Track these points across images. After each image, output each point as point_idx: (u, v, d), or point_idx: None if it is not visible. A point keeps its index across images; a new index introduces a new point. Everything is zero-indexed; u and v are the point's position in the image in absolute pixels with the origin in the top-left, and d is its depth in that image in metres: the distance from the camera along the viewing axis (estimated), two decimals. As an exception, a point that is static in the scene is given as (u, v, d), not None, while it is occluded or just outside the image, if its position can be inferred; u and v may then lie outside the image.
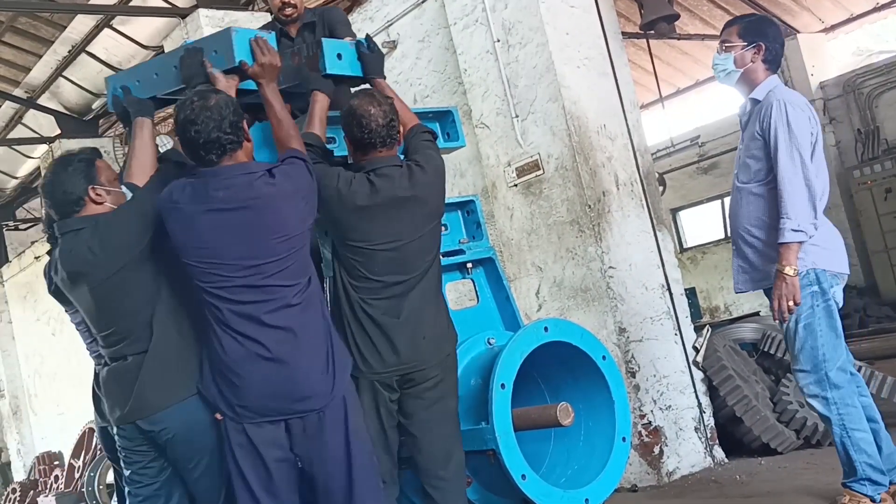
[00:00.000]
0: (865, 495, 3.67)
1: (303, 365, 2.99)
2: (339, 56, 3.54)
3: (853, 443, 3.64)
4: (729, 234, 4.01)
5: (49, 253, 3.49)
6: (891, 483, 3.73)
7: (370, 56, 3.61)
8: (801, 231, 3.56)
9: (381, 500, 3.15)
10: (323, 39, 3.56)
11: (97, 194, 3.20)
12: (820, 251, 3.67)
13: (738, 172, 3.87)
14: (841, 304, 3.77)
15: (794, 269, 3.58)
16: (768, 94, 3.72)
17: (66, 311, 3.58)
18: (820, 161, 3.71)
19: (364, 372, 3.25)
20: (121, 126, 12.06)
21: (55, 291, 3.41)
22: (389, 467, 3.35)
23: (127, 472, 3.26)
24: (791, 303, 3.59)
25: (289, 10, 4.07)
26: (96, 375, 3.42)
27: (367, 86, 3.58)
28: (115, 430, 3.24)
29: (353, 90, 3.58)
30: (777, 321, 3.71)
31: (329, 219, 3.28)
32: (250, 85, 3.39)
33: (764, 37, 3.78)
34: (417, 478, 3.45)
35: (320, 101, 3.43)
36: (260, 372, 2.97)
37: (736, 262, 3.89)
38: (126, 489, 3.30)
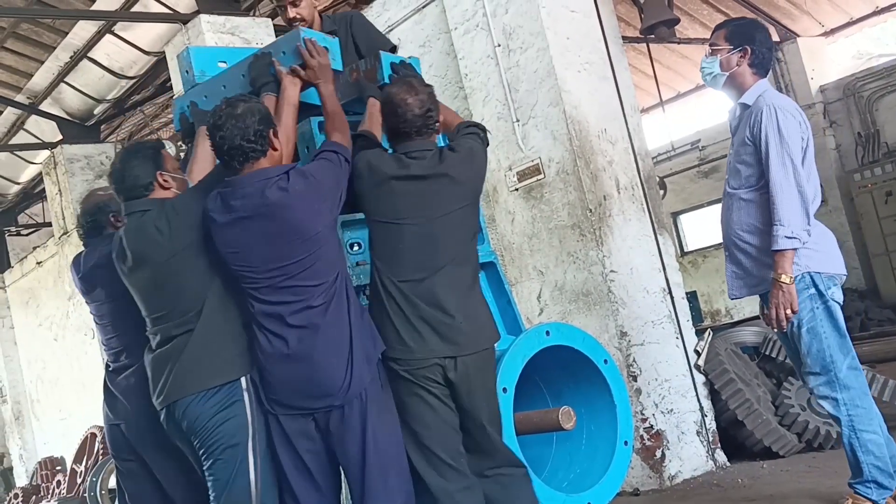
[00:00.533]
0: (869, 499, 3.63)
1: (322, 363, 3.05)
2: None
3: (861, 444, 3.60)
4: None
5: (85, 245, 3.73)
6: None
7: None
8: (795, 238, 3.54)
9: (398, 499, 3.13)
10: (381, 53, 3.63)
11: (164, 180, 3.40)
12: (813, 254, 3.64)
13: (728, 178, 3.85)
14: (841, 304, 3.74)
15: (790, 277, 3.56)
16: (758, 99, 3.70)
17: (91, 303, 3.68)
18: (811, 165, 3.67)
19: (407, 360, 3.17)
20: (122, 132, 12.12)
21: (89, 278, 3.58)
22: (459, 458, 3.24)
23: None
24: (788, 311, 3.58)
25: (298, 24, 4.05)
26: (109, 373, 3.57)
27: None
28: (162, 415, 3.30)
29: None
30: (774, 329, 3.70)
31: (359, 193, 3.27)
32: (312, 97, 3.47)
33: (751, 41, 3.75)
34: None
35: (377, 105, 3.47)
36: (284, 369, 3.08)
37: (729, 269, 3.87)
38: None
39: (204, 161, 3.41)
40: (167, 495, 3.60)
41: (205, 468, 3.20)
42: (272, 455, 3.18)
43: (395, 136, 3.37)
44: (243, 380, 3.18)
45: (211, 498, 3.19)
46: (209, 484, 3.20)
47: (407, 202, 3.23)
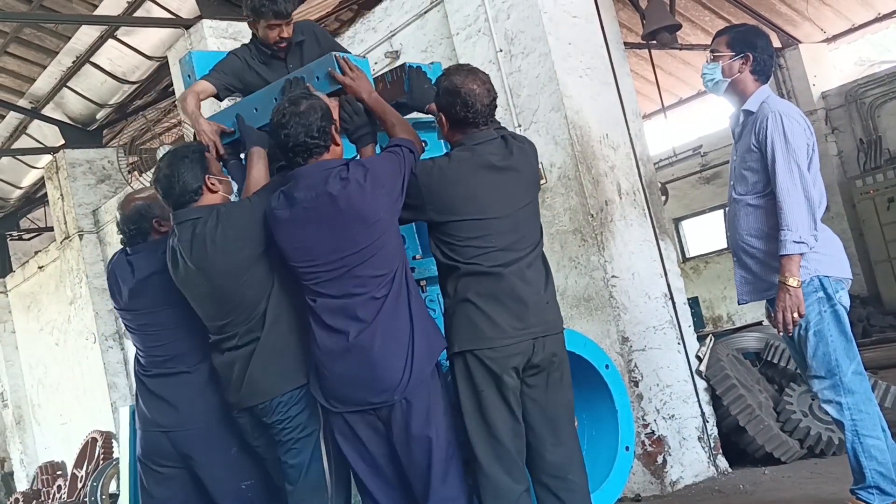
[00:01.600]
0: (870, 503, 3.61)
1: (381, 357, 3.06)
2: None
3: (864, 449, 3.59)
4: (729, 245, 3.98)
5: (126, 247, 3.71)
6: None
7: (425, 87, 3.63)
8: (803, 242, 3.55)
9: (461, 497, 3.14)
10: (406, 63, 3.62)
11: (212, 183, 3.40)
12: (821, 258, 3.64)
13: (734, 184, 3.85)
14: (848, 309, 3.74)
15: (798, 281, 3.56)
16: (762, 106, 3.70)
17: (134, 310, 3.64)
18: (816, 171, 3.68)
19: (499, 344, 3.12)
20: (124, 136, 12.13)
21: (142, 287, 3.58)
22: (518, 462, 3.21)
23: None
24: (795, 314, 3.57)
25: (283, 44, 4.02)
26: (152, 378, 3.59)
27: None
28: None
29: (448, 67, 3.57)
30: (781, 333, 3.70)
31: (433, 197, 3.19)
32: None
33: (752, 47, 3.76)
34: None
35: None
36: (342, 364, 3.10)
37: (738, 274, 3.87)
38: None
39: (258, 182, 3.42)
40: (208, 502, 3.62)
41: (281, 457, 3.31)
42: (337, 451, 3.25)
43: (458, 126, 3.28)
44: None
45: (287, 485, 3.30)
46: (286, 472, 3.30)
47: (490, 194, 3.19)
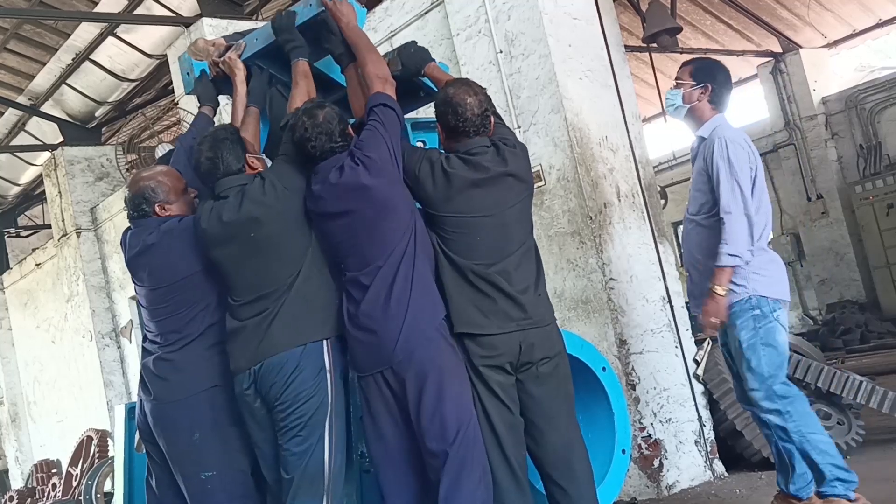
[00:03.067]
0: (839, 496, 3.79)
1: (386, 324, 3.22)
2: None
3: (813, 446, 3.80)
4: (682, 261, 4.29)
5: (133, 224, 3.72)
6: (798, 499, 3.93)
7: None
8: (736, 256, 3.80)
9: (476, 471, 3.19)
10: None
11: (252, 162, 3.51)
12: (760, 278, 3.89)
13: (689, 205, 4.14)
14: (787, 328, 4.01)
15: (724, 290, 3.83)
16: (711, 133, 3.98)
17: (141, 285, 3.67)
18: (761, 193, 3.94)
19: (488, 340, 3.26)
20: (123, 134, 12.13)
21: (135, 261, 3.62)
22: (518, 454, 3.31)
23: (253, 434, 3.42)
24: (715, 319, 3.85)
25: None
26: (147, 363, 3.61)
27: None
28: (237, 385, 3.38)
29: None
30: (700, 335, 3.96)
31: (425, 195, 3.37)
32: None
33: (713, 79, 4.04)
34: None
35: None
36: (356, 331, 3.28)
37: (690, 288, 4.16)
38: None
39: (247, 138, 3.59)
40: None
41: (284, 444, 3.29)
42: (347, 435, 3.37)
43: (452, 135, 3.42)
44: (326, 345, 3.32)
45: (284, 474, 3.29)
46: (287, 459, 3.29)
47: (481, 200, 3.34)
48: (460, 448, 3.14)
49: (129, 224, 3.77)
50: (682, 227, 15.27)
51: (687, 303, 4.51)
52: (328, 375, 3.32)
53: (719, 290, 3.83)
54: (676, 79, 4.13)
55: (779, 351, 3.90)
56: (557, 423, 3.33)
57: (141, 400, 3.65)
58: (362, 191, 3.25)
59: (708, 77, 4.05)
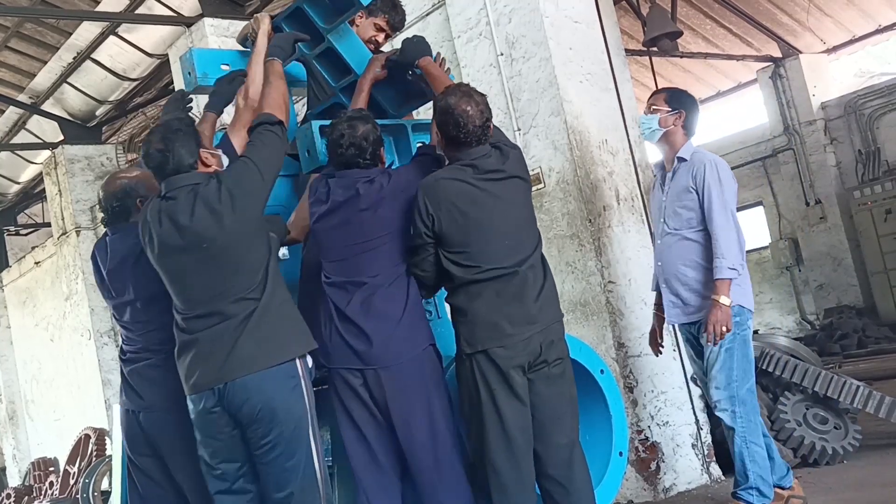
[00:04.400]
0: (751, 503, 4.09)
1: (369, 324, 3.33)
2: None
3: (750, 454, 4.10)
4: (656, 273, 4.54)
5: (111, 229, 3.64)
6: (781, 487, 4.25)
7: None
8: (735, 269, 4.09)
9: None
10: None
11: (205, 157, 3.31)
12: (740, 290, 4.17)
13: (664, 220, 4.39)
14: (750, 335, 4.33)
15: (729, 300, 4.08)
16: (693, 155, 4.30)
17: (112, 298, 3.59)
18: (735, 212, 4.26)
19: (496, 350, 3.28)
20: (123, 134, 12.13)
21: (119, 271, 3.53)
22: (528, 457, 3.34)
23: (208, 452, 3.25)
24: (724, 328, 4.05)
25: (373, 47, 4.10)
26: (125, 363, 3.54)
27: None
28: (196, 403, 3.20)
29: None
30: (710, 343, 4.13)
31: (444, 227, 3.37)
32: None
33: (685, 106, 4.37)
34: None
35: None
36: (340, 330, 3.39)
37: (667, 298, 4.39)
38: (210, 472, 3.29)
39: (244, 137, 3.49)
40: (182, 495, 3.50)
41: (266, 459, 3.16)
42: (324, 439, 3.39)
43: (453, 145, 3.43)
44: (299, 362, 3.21)
45: (275, 489, 3.17)
46: (274, 474, 3.16)
47: (492, 206, 3.38)
48: (439, 451, 3.28)
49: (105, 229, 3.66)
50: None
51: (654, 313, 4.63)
52: (303, 385, 3.20)
53: (725, 300, 4.06)
54: (650, 105, 4.40)
55: (749, 358, 4.24)
56: (563, 424, 3.38)
57: (128, 410, 3.52)
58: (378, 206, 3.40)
59: (681, 104, 4.36)
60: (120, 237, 3.58)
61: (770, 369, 5.92)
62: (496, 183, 3.39)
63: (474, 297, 3.33)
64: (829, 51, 13.11)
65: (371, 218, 3.39)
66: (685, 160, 4.32)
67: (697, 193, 4.22)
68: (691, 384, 5.56)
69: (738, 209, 4.41)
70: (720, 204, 4.16)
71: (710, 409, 5.53)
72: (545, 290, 3.41)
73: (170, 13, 7.97)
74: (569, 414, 3.41)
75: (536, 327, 3.32)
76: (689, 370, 5.57)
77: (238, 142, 3.48)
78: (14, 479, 12.66)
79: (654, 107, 4.38)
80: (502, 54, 5.73)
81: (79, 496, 8.40)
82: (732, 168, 4.52)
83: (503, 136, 3.60)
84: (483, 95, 3.47)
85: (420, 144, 3.76)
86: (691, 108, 4.40)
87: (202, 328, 3.18)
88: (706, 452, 5.51)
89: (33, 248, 12.67)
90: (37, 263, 12.03)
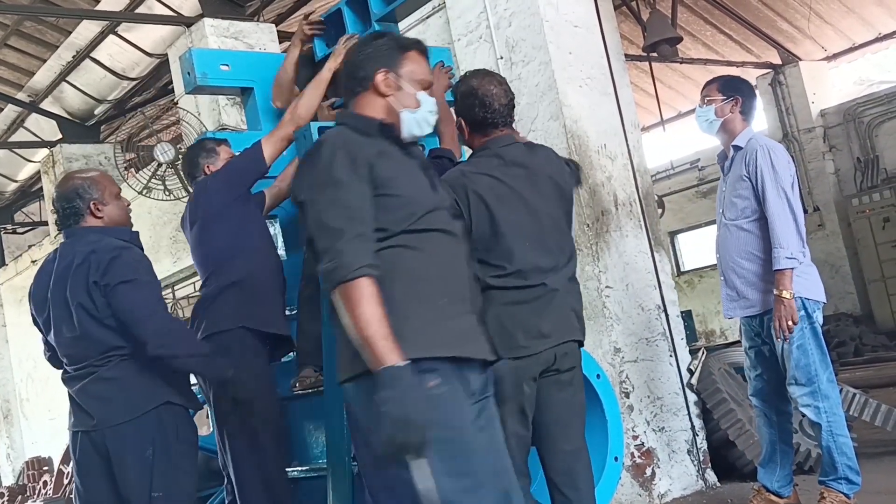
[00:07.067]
0: (842, 492, 4.05)
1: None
2: None
3: (838, 446, 4.04)
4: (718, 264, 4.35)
5: (65, 234, 3.56)
6: (779, 496, 4.27)
7: None
8: (794, 258, 3.94)
9: None
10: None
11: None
12: (803, 282, 4.04)
13: (723, 210, 4.26)
14: (822, 326, 4.22)
15: (791, 293, 3.94)
16: (749, 142, 4.15)
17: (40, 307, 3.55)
18: (797, 199, 4.08)
19: (511, 360, 3.03)
20: (122, 133, 12.10)
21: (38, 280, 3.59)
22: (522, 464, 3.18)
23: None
24: (790, 322, 3.93)
25: None
26: (80, 388, 3.52)
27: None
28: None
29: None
30: (779, 339, 4.03)
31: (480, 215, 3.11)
32: None
33: (740, 92, 4.23)
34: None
35: None
36: None
37: (724, 291, 4.27)
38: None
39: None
40: None
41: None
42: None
43: (479, 129, 3.22)
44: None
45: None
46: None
47: (517, 208, 3.14)
48: None
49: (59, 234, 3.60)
50: (679, 236, 15.32)
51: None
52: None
53: (786, 293, 3.93)
54: (704, 96, 4.28)
55: (823, 350, 4.10)
56: (570, 432, 3.24)
57: (77, 432, 3.47)
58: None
59: (736, 90, 4.23)
60: (70, 243, 3.46)
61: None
62: (524, 181, 3.16)
63: (492, 303, 3.05)
64: (828, 58, 13.12)
65: None
66: (741, 148, 4.17)
67: (751, 181, 4.08)
68: (687, 390, 5.56)
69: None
70: (774, 190, 3.99)
71: (705, 414, 5.56)
72: (574, 304, 3.21)
73: (170, 13, 7.96)
74: (577, 422, 3.27)
75: (550, 342, 3.10)
76: (686, 376, 5.57)
77: (270, 152, 3.70)
78: (8, 479, 12.64)
79: (709, 98, 4.26)
80: (502, 58, 5.73)
81: (72, 496, 8.38)
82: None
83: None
84: (503, 76, 3.33)
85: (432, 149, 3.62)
86: (747, 93, 4.26)
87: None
88: (702, 458, 5.50)
89: (30, 246, 12.67)
90: (33, 262, 12.01)
